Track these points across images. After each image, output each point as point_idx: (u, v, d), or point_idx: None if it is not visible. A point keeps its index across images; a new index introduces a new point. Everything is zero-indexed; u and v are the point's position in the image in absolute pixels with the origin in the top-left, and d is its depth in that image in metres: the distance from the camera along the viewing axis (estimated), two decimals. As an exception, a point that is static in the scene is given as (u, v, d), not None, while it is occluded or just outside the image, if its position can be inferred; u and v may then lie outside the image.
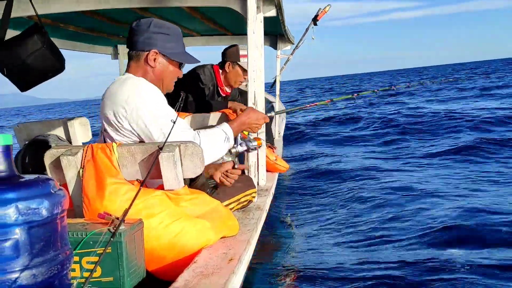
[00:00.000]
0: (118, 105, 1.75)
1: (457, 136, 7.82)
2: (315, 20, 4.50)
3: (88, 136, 3.00)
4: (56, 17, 3.00)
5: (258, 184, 2.77)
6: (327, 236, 3.47)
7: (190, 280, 1.39)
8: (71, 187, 1.74)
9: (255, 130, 2.15)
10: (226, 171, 2.09)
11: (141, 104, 1.74)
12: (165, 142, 1.64)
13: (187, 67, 2.95)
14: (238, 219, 1.98)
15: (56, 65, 2.70)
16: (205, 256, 1.59)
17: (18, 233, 1.10)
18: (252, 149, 2.15)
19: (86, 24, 3.45)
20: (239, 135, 2.15)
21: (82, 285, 1.36)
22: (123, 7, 2.56)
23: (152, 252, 1.60)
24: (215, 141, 1.88)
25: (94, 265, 1.40)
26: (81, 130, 2.87)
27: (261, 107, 2.60)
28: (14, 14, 2.41)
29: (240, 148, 2.12)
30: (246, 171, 2.69)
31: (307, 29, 4.62)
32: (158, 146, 1.66)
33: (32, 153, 2.63)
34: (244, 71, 3.40)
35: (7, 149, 1.15)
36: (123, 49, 4.52)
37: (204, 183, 2.04)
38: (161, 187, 1.74)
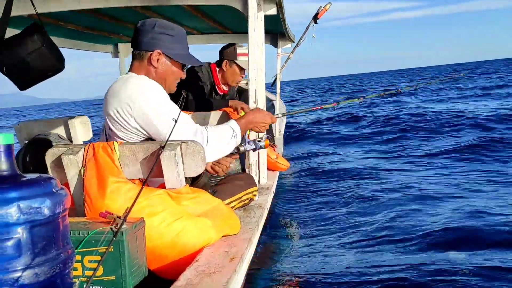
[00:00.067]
0: (123, 103, 1.76)
1: (459, 136, 7.80)
2: (315, 18, 4.50)
3: (89, 135, 3.00)
4: (56, 16, 2.99)
5: (259, 182, 2.77)
6: (328, 236, 3.46)
7: (192, 278, 1.39)
8: (72, 186, 1.73)
9: (262, 130, 2.14)
10: (217, 159, 2.06)
11: (145, 101, 1.75)
12: (166, 141, 1.64)
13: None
14: (239, 217, 1.98)
15: (56, 65, 2.70)
16: (207, 255, 1.59)
17: (20, 232, 1.10)
18: (259, 149, 2.15)
19: (87, 23, 3.44)
20: (246, 134, 2.15)
21: (84, 284, 1.36)
22: (123, 6, 2.56)
23: (154, 251, 1.60)
24: (222, 137, 1.88)
25: (95, 263, 1.41)
26: (82, 129, 2.87)
27: (262, 105, 2.59)
28: (14, 12, 2.40)
29: (248, 147, 2.12)
30: (247, 170, 2.69)
31: (307, 27, 4.61)
32: (160, 145, 1.66)
33: (33, 152, 2.63)
34: (241, 69, 3.40)
35: (9, 148, 1.15)
36: (123, 48, 4.51)
37: (206, 183, 2.04)
38: (162, 186, 1.74)
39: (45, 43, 2.58)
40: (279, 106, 5.33)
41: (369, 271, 2.76)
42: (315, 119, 13.03)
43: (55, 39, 2.74)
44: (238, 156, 2.22)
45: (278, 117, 2.56)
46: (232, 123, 1.98)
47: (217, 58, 3.54)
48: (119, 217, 1.39)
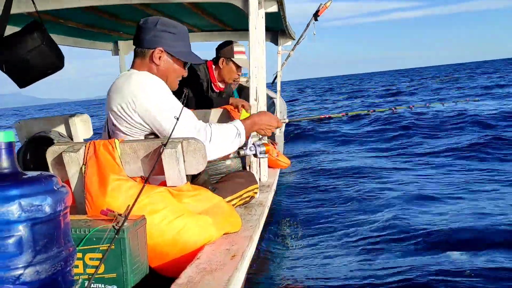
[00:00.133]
0: (126, 98, 1.76)
1: (461, 134, 7.78)
2: (316, 15, 4.49)
3: (90, 133, 2.99)
4: (56, 13, 2.98)
5: (259, 180, 2.77)
6: (328, 234, 3.46)
7: (194, 276, 1.39)
8: (73, 183, 1.73)
9: (268, 133, 2.12)
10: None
11: (148, 97, 1.75)
12: (169, 138, 1.64)
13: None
14: (240, 215, 1.98)
15: (55, 62, 2.69)
16: (208, 252, 1.59)
17: (21, 230, 1.10)
18: (259, 156, 2.13)
19: (86, 20, 3.43)
20: (250, 139, 2.13)
21: (86, 281, 1.36)
22: (123, 3, 2.55)
23: (155, 249, 1.60)
24: (226, 135, 1.87)
25: (96, 261, 1.40)
26: (82, 127, 2.87)
27: (262, 102, 2.59)
28: (14, 10, 2.40)
29: (249, 152, 2.10)
30: (247, 167, 2.69)
31: (308, 25, 4.60)
32: (162, 143, 1.66)
33: (33, 150, 2.64)
34: (238, 67, 3.39)
35: (10, 145, 1.15)
36: (123, 45, 4.50)
37: (206, 180, 2.04)
38: (163, 184, 1.73)
39: (45, 41, 2.57)
40: (280, 104, 5.32)
41: (369, 270, 2.76)
42: (317, 120, 13.01)
43: (55, 37, 2.74)
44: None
45: (284, 122, 2.56)
46: (237, 122, 1.97)
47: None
48: (121, 215, 1.38)
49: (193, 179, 1.97)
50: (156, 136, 1.82)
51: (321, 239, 3.37)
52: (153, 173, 1.64)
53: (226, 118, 3.02)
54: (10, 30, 2.60)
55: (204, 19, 3.75)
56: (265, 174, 2.90)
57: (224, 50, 3.40)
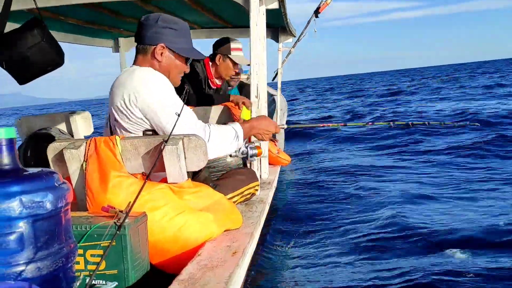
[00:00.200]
0: (128, 93, 1.77)
1: (463, 133, 7.75)
2: (316, 12, 4.47)
3: (90, 130, 2.99)
4: (56, 10, 2.97)
5: (260, 177, 2.76)
6: (329, 231, 3.45)
7: (195, 272, 1.39)
8: (74, 180, 1.73)
9: (265, 138, 2.14)
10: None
11: (150, 93, 1.76)
12: (170, 135, 1.64)
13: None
14: (241, 212, 1.98)
15: (56, 59, 2.69)
16: (209, 249, 1.59)
17: (22, 226, 1.10)
18: (250, 157, 2.13)
19: (87, 17, 3.42)
20: (245, 141, 2.14)
21: (87, 278, 1.36)
22: (124, 0, 2.54)
23: (156, 245, 1.60)
24: (225, 136, 1.89)
25: (98, 257, 1.40)
26: (83, 124, 2.86)
27: (263, 99, 2.59)
28: (14, 7, 2.39)
29: (239, 154, 2.11)
30: (248, 165, 2.69)
31: (308, 22, 4.58)
32: (163, 139, 1.66)
33: (34, 147, 2.63)
34: (235, 64, 3.39)
35: (11, 142, 1.15)
36: (124, 42, 4.50)
37: (207, 177, 2.04)
38: (164, 180, 1.73)
39: (45, 38, 2.57)
40: (280, 101, 5.31)
41: (370, 268, 2.75)
42: (317, 117, 13.02)
43: (55, 34, 2.73)
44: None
45: (283, 128, 2.55)
46: (236, 125, 1.98)
47: None
48: (122, 212, 1.38)
49: (194, 176, 1.97)
50: (155, 133, 1.82)
51: (322, 236, 3.37)
52: (154, 169, 1.64)
53: (226, 115, 3.02)
54: (10, 27, 2.59)
55: (204, 15, 3.74)
56: (265, 171, 2.90)
57: (221, 47, 3.40)
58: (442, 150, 6.60)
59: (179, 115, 1.68)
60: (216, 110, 3.01)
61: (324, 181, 5.13)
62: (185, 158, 1.69)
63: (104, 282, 1.43)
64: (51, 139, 2.50)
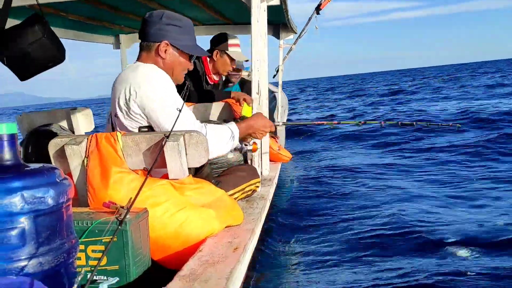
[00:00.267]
0: (129, 89, 1.77)
1: (465, 132, 7.73)
2: (318, 9, 4.45)
3: (91, 127, 2.99)
4: (57, 6, 2.97)
5: (261, 174, 2.76)
6: (329, 229, 3.45)
7: (196, 268, 1.39)
8: (75, 176, 1.73)
9: (260, 137, 2.15)
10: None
11: (151, 90, 1.76)
12: (171, 131, 1.64)
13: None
14: (242, 208, 1.99)
15: (57, 55, 2.68)
16: (210, 245, 1.59)
17: (24, 222, 1.10)
18: (244, 153, 2.13)
19: (88, 13, 3.42)
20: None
21: (88, 273, 1.36)
22: None
23: (157, 241, 1.60)
24: (220, 137, 1.89)
25: (99, 253, 1.41)
26: (84, 120, 2.86)
27: (264, 96, 2.58)
28: (15, 3, 2.39)
29: (233, 150, 2.11)
30: (249, 161, 2.68)
31: (310, 18, 4.56)
32: (164, 135, 1.66)
33: (35, 143, 2.63)
34: (232, 60, 3.38)
35: (12, 137, 1.15)
36: (125, 39, 4.49)
37: (209, 173, 2.04)
38: (165, 177, 1.73)
39: (46, 34, 2.56)
40: (281, 98, 5.30)
41: (371, 266, 2.75)
42: (318, 116, 13.02)
43: (56, 30, 2.73)
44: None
45: (278, 125, 2.55)
46: (232, 125, 1.99)
47: None
48: (123, 207, 1.38)
49: (196, 173, 1.97)
50: (151, 129, 1.82)
51: (322, 233, 3.37)
52: (155, 165, 1.64)
53: (227, 111, 3.02)
54: (11, 23, 2.59)
55: (205, 12, 3.73)
56: (266, 168, 2.90)
57: (219, 43, 3.40)
58: (443, 148, 6.60)
59: (180, 111, 1.69)
60: (217, 107, 3.01)
61: (325, 178, 5.14)
62: (186, 154, 1.69)
63: (105, 278, 1.44)
64: (52, 135, 2.50)
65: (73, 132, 2.85)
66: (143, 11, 3.46)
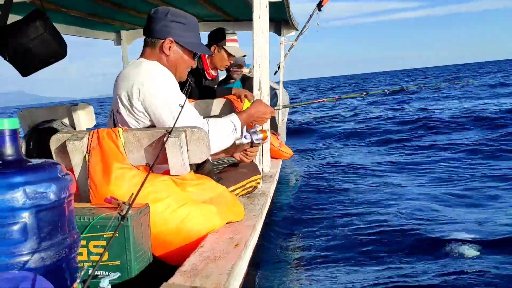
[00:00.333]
0: (132, 86, 1.76)
1: (467, 132, 7.72)
2: (319, 5, 4.45)
3: (92, 123, 2.99)
4: (59, 2, 2.97)
5: (262, 170, 2.77)
6: (330, 226, 3.46)
7: (197, 264, 1.40)
8: (77, 172, 1.73)
9: (262, 123, 2.15)
10: (245, 150, 2.14)
11: (154, 87, 1.76)
12: (173, 127, 1.64)
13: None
14: (243, 205, 1.99)
15: (58, 51, 2.68)
16: (211, 241, 1.60)
17: (25, 217, 1.10)
18: (256, 144, 2.13)
19: (89, 9, 3.42)
20: (245, 126, 2.14)
21: (90, 268, 1.37)
22: None
23: (159, 237, 1.60)
24: (223, 131, 1.90)
25: (101, 248, 1.41)
26: (85, 116, 2.86)
27: (266, 93, 2.58)
28: (16, -2, 2.39)
29: (244, 141, 2.10)
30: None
31: (311, 15, 4.56)
32: (166, 130, 1.66)
33: (37, 139, 2.63)
34: (230, 55, 3.37)
35: (14, 133, 1.15)
36: (126, 35, 4.48)
37: (211, 169, 2.05)
38: (167, 173, 1.73)
39: (48, 29, 2.56)
40: (282, 95, 5.30)
41: (371, 265, 2.76)
42: (320, 115, 13.02)
43: (57, 26, 2.72)
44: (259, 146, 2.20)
45: (278, 109, 2.55)
46: (234, 117, 1.99)
47: None
48: (125, 203, 1.39)
49: (198, 169, 1.97)
50: None
51: (323, 230, 3.38)
52: (157, 161, 1.64)
53: (228, 108, 3.01)
54: (12, 18, 2.58)
55: (207, 9, 3.73)
56: (267, 164, 2.90)
57: (216, 38, 3.39)
58: (445, 145, 6.59)
59: (182, 106, 1.69)
60: (218, 103, 3.00)
61: (326, 175, 5.14)
62: (187, 150, 1.69)
63: (107, 273, 1.44)
64: (54, 131, 2.51)
65: (75, 128, 2.85)
66: (144, 8, 3.47)
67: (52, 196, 1.14)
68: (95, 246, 1.43)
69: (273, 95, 5.59)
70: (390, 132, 8.52)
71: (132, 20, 3.98)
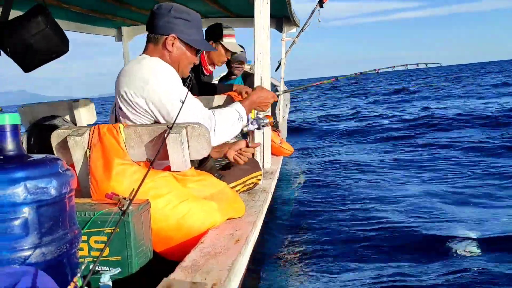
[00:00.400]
0: (135, 83, 1.76)
1: (470, 132, 7.70)
2: (321, 2, 4.43)
3: (93, 118, 2.99)
4: None
5: (263, 167, 2.77)
6: (330, 223, 3.47)
7: (198, 260, 1.40)
8: (78, 168, 1.74)
9: (265, 109, 2.18)
10: (240, 150, 2.13)
11: (157, 84, 1.75)
12: (174, 123, 1.64)
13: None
14: (244, 201, 1.99)
15: (60, 46, 2.67)
16: (212, 237, 1.60)
17: (27, 212, 1.10)
18: (263, 126, 2.14)
19: (90, 5, 3.41)
20: (249, 115, 2.16)
21: (91, 264, 1.37)
22: None
23: (159, 233, 1.60)
24: (229, 120, 1.91)
25: (101, 244, 1.41)
26: (86, 112, 2.86)
27: (266, 88, 2.58)
28: (18, -6, 2.38)
29: (251, 127, 2.12)
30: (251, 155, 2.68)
31: (312, 12, 4.55)
32: (167, 126, 1.66)
33: (38, 135, 2.63)
34: (227, 51, 3.37)
35: (15, 128, 1.15)
36: (127, 31, 4.48)
37: (213, 166, 2.05)
38: (168, 169, 1.74)
39: (49, 25, 2.55)
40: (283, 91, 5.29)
41: (371, 263, 2.76)
42: (321, 114, 13.01)
43: (58, 22, 2.71)
44: (258, 144, 2.21)
45: (279, 94, 2.55)
46: (238, 105, 2.00)
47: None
48: (125, 198, 1.39)
49: (200, 165, 1.97)
50: None
51: (323, 226, 3.38)
52: (158, 157, 1.64)
53: (230, 104, 3.01)
54: (14, 14, 2.58)
55: (208, 5, 3.72)
56: (268, 161, 2.90)
57: (214, 34, 3.37)
58: (447, 143, 6.58)
59: (183, 102, 1.68)
60: (219, 100, 3.00)
61: (327, 172, 5.14)
62: (188, 146, 1.69)
63: (107, 268, 1.44)
64: (55, 127, 2.51)
65: (75, 124, 2.85)
66: (145, 4, 3.46)
67: (53, 192, 1.14)
68: (96, 242, 1.43)
69: (274, 92, 5.56)
70: (391, 130, 8.52)
71: (133, 16, 3.97)
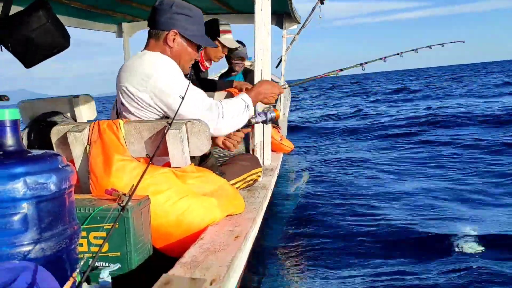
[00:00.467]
0: (137, 78, 1.76)
1: (473, 131, 7.68)
2: (322, -2, 4.41)
3: (94, 115, 2.99)
4: None
5: (263, 163, 2.77)
6: (330, 220, 3.47)
7: (197, 256, 1.40)
8: (78, 163, 1.73)
9: (272, 101, 2.14)
10: (228, 134, 2.06)
11: (159, 78, 1.75)
12: (173, 119, 1.64)
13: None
14: (244, 197, 1.99)
15: (61, 41, 2.66)
16: (211, 233, 1.60)
17: (26, 207, 1.10)
18: (269, 120, 2.13)
19: (91, 1, 3.40)
20: (256, 107, 2.14)
21: (90, 260, 1.37)
22: None
23: (159, 229, 1.60)
24: (237, 110, 1.90)
25: (101, 240, 1.41)
26: (86, 109, 2.86)
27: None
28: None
29: (259, 118, 2.10)
30: (251, 151, 2.69)
31: (313, 8, 4.53)
32: (167, 122, 1.66)
33: (38, 130, 2.63)
34: (224, 47, 3.35)
35: (15, 123, 1.15)
36: (127, 27, 4.47)
37: (214, 164, 2.05)
38: (167, 165, 1.73)
39: (50, 20, 2.54)
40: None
41: (371, 262, 2.76)
42: (323, 113, 13.01)
43: (59, 18, 2.71)
44: (249, 130, 2.19)
45: (285, 88, 2.54)
46: (244, 95, 1.99)
47: None
48: (125, 194, 1.39)
49: (201, 162, 1.97)
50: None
51: (323, 223, 3.39)
52: (158, 153, 1.64)
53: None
54: (14, 9, 2.57)
55: (209, 1, 3.71)
56: (268, 158, 2.90)
57: (211, 30, 3.36)
58: (448, 142, 6.57)
59: (183, 98, 1.68)
60: (219, 96, 3.00)
61: (328, 169, 5.14)
62: (188, 142, 1.69)
63: (107, 264, 1.45)
64: (55, 123, 2.50)
65: (76, 120, 2.85)
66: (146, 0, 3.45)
67: (52, 187, 1.14)
68: (95, 237, 1.43)
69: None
70: (392, 127, 8.51)
71: (134, 12, 3.96)
